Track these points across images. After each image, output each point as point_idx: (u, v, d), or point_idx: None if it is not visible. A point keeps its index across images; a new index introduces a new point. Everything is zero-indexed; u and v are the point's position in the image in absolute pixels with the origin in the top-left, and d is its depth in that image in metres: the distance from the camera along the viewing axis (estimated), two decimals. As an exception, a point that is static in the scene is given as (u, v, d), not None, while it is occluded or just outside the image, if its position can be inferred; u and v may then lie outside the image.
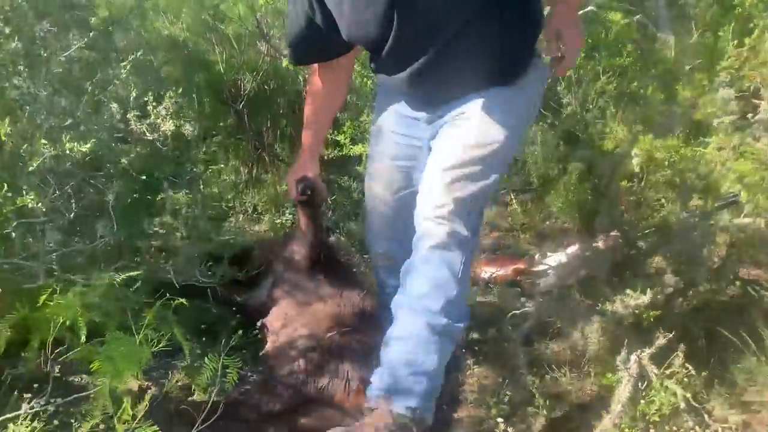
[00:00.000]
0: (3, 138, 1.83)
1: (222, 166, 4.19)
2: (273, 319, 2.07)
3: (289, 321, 2.02)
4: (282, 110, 4.56)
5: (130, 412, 1.46)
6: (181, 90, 2.67)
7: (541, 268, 2.44)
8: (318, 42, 1.84)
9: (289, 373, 1.83)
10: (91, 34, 2.20)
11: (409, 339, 1.64)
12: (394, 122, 2.00)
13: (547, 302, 2.09)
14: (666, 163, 2.50)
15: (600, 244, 2.27)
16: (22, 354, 1.81)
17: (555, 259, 2.36)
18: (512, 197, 3.51)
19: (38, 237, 1.92)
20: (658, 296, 2.05)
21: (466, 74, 1.77)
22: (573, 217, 2.58)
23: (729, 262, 2.32)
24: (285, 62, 3.94)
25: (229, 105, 4.31)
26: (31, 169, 1.82)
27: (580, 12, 2.59)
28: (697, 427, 1.68)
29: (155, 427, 1.53)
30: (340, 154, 3.85)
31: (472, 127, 1.75)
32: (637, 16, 3.09)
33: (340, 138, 3.83)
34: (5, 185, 1.76)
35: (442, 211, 1.68)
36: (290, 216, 3.73)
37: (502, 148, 1.73)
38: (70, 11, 2.23)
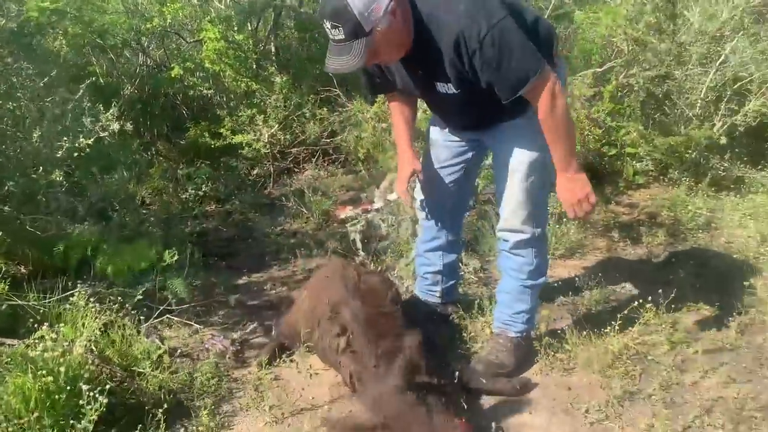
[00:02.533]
0: (35, 137, 2.92)
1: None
2: None
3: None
4: (157, 112, 5.34)
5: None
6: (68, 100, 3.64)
7: (376, 205, 3.84)
8: (386, 85, 2.45)
9: None
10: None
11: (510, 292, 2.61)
12: (442, 138, 2.60)
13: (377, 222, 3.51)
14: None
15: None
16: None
17: (379, 201, 3.75)
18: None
19: (54, 201, 3.01)
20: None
21: (483, 120, 2.39)
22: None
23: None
24: (174, 70, 4.90)
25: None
26: (57, 155, 2.92)
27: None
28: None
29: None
30: (224, 143, 4.94)
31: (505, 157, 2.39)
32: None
33: (222, 130, 4.88)
34: (40, 167, 2.87)
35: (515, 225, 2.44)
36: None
37: (530, 162, 2.33)
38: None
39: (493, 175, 2.64)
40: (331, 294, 2.49)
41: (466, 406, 2.23)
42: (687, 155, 4.53)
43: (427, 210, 2.75)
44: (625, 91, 4.66)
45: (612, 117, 4.44)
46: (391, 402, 2.11)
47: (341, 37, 1.97)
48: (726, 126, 4.42)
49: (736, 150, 4.67)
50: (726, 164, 4.59)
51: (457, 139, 2.56)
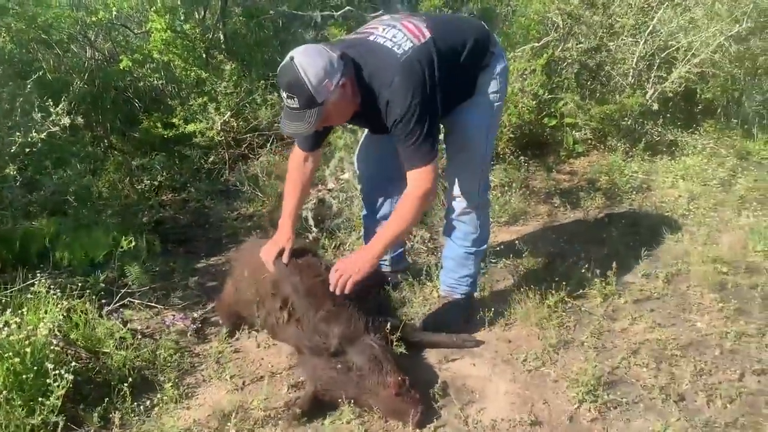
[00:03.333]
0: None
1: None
2: None
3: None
4: (108, 106, 5.31)
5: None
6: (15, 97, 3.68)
7: (329, 186, 3.99)
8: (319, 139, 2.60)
9: None
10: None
11: (454, 258, 2.79)
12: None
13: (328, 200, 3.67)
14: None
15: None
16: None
17: (331, 181, 3.90)
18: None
19: (10, 195, 3.09)
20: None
21: None
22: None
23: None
24: (123, 62, 4.93)
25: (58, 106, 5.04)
26: (11, 151, 2.99)
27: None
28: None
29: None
30: (177, 133, 4.99)
31: None
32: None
33: (175, 120, 4.94)
34: (-7, 162, 2.95)
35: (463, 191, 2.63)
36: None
37: (478, 137, 2.57)
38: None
39: (444, 150, 2.79)
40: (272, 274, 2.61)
41: (406, 364, 2.38)
42: (623, 123, 4.78)
43: (366, 181, 2.91)
44: (564, 64, 4.88)
45: (550, 89, 4.66)
46: (324, 370, 2.29)
47: (296, 106, 2.17)
48: (657, 93, 4.67)
49: (668, 115, 4.93)
50: (660, 129, 4.85)
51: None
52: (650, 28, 4.60)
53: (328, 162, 4.09)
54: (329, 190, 3.94)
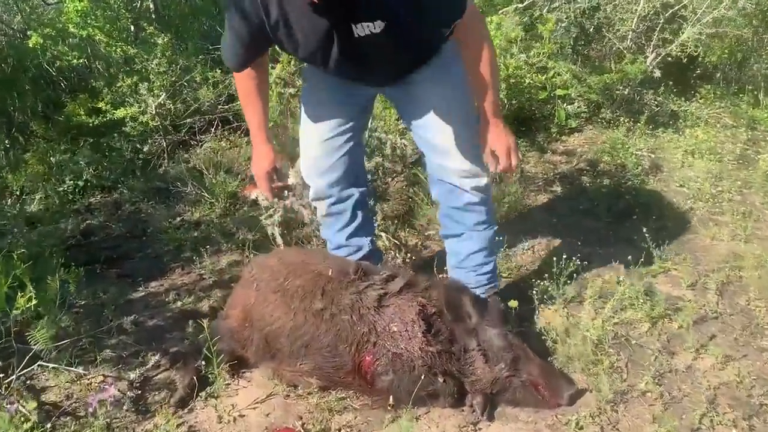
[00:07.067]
0: None
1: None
2: None
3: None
4: (28, 87, 4.61)
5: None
6: None
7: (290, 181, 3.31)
8: (257, 49, 2.07)
9: None
10: None
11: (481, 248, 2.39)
12: (332, 95, 2.29)
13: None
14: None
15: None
16: None
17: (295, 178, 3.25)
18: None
19: None
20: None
21: (401, 66, 2.12)
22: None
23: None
24: (33, 40, 4.09)
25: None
26: None
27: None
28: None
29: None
30: (105, 120, 4.20)
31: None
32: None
33: (101, 105, 4.14)
34: None
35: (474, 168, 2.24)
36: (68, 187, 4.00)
37: (463, 100, 2.19)
38: None
39: (421, 127, 2.25)
40: None
41: None
42: (618, 92, 4.22)
43: (329, 193, 2.43)
44: (558, 29, 4.26)
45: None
46: None
47: None
48: (659, 58, 4.11)
49: (669, 83, 4.40)
50: (660, 99, 4.31)
51: (348, 100, 2.28)
52: (652, -18, 4.01)
53: (288, 152, 3.40)
54: (292, 187, 3.24)
